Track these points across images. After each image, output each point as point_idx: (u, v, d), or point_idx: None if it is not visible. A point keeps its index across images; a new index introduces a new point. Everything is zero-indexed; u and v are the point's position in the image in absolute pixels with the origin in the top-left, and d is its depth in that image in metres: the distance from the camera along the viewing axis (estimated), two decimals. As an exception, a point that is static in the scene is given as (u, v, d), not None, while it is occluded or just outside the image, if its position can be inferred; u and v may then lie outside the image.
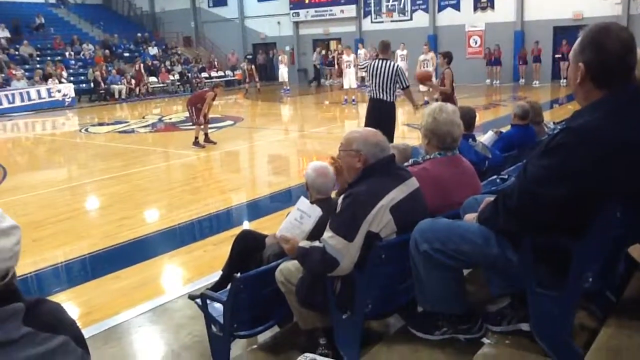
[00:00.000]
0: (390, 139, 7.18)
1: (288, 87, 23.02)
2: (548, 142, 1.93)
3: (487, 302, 2.55)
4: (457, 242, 2.20)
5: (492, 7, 22.76)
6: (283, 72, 23.09)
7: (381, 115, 7.84)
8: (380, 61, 7.84)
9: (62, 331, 0.86)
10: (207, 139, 11.83)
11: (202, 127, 11.63)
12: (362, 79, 20.43)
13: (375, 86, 7.81)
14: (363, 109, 17.12)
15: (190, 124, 12.34)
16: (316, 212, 2.77)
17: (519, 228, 2.03)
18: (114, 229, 6.48)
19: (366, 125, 7.97)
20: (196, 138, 11.61)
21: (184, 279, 5.15)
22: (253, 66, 24.19)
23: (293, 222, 2.81)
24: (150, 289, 4.86)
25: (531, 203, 1.93)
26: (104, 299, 4.68)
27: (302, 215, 2.80)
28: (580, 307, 2.28)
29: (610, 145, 1.81)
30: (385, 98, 7.80)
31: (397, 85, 7.84)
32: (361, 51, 21.73)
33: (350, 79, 18.43)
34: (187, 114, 12.63)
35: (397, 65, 7.96)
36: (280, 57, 24.01)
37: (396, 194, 2.51)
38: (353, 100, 18.35)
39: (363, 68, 8.50)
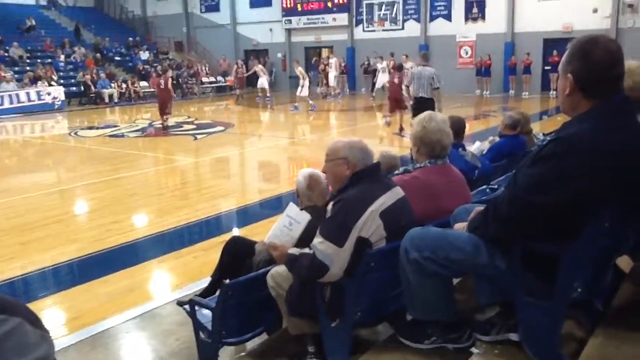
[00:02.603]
0: None
1: (269, 95, 22.56)
2: (538, 152, 1.95)
3: (476, 312, 2.55)
4: (447, 251, 2.20)
5: (483, 18, 22.93)
6: (263, 81, 22.33)
7: (423, 110, 9.29)
8: (421, 67, 10.30)
9: (16, 313, 0.81)
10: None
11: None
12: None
13: (417, 87, 10.01)
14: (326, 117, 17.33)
15: (181, 128, 12.88)
16: (305, 218, 2.76)
17: (509, 236, 2.05)
18: (102, 233, 6.43)
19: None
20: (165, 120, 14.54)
21: (173, 285, 5.12)
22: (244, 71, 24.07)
23: (282, 229, 2.79)
24: (138, 295, 4.83)
25: (521, 211, 1.95)
26: (91, 304, 4.64)
27: (291, 221, 2.78)
28: (569, 317, 2.28)
29: (599, 155, 1.83)
30: (425, 95, 9.92)
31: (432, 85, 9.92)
32: (332, 60, 22.15)
33: (303, 89, 19.83)
34: (178, 119, 12.82)
35: (433, 70, 10.08)
36: (256, 68, 22.81)
37: (385, 200, 2.52)
38: (312, 107, 19.38)
39: (408, 84, 10.75)
